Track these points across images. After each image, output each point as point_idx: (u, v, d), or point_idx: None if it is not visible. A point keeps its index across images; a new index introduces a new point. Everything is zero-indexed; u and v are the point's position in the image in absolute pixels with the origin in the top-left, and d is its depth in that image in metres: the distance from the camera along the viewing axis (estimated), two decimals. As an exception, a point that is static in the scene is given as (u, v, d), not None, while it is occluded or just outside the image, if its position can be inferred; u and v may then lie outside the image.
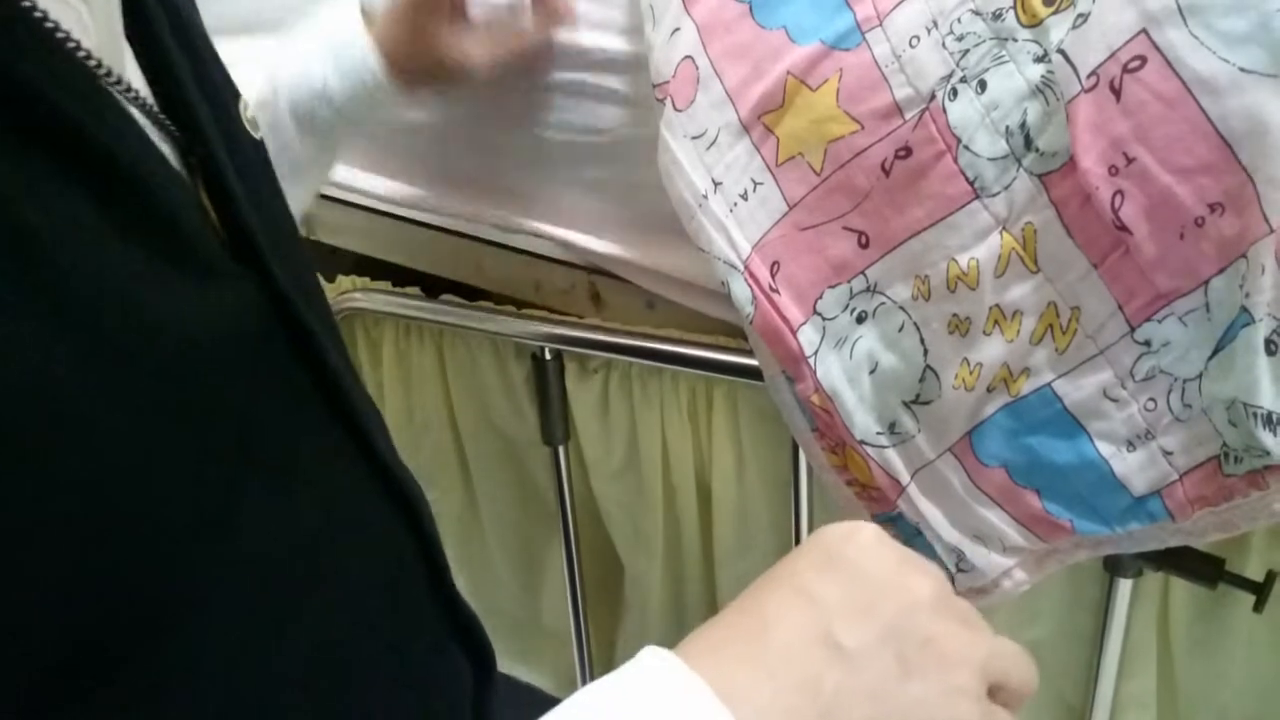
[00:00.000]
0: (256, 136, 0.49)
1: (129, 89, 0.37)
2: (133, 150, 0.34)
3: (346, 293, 1.00)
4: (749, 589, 0.43)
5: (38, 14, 0.31)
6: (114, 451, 0.29)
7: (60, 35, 0.32)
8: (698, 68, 0.71)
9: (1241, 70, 0.56)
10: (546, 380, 0.92)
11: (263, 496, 0.37)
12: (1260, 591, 0.79)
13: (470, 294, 0.99)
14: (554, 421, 0.94)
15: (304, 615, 0.39)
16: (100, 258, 0.31)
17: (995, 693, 0.42)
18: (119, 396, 0.29)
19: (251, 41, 0.73)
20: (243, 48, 0.65)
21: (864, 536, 0.43)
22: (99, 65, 0.34)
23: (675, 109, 0.72)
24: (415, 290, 1.00)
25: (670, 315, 0.88)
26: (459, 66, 0.75)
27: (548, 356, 0.92)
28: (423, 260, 0.97)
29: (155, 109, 0.40)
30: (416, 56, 0.74)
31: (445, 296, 0.98)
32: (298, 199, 0.73)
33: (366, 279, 1.02)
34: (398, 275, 1.02)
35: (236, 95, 0.49)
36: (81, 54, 0.33)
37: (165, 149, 0.39)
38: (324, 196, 0.98)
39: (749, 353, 0.82)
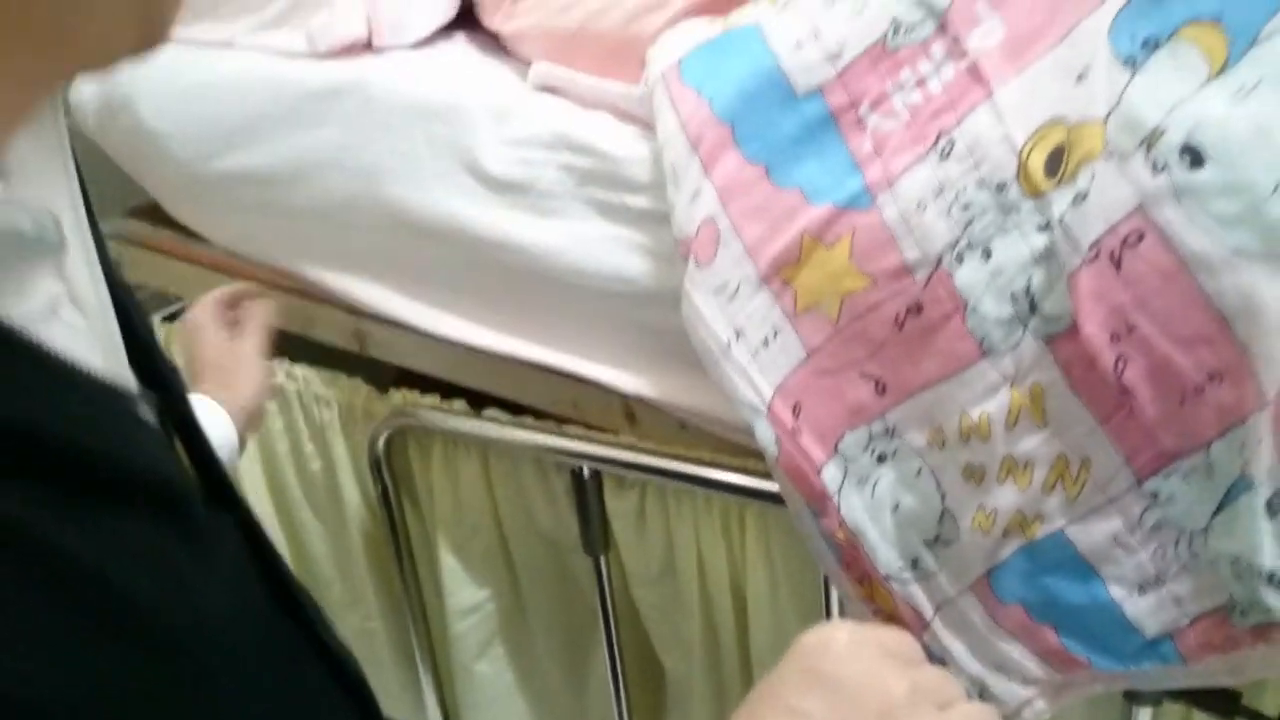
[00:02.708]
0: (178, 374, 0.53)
1: (128, 391, 0.40)
2: (151, 458, 0.38)
3: (399, 408, 1.05)
4: (743, 709, 0.47)
5: (47, 351, 0.34)
6: None
7: (71, 366, 0.35)
8: (718, 227, 0.75)
9: (1234, 251, 0.58)
10: (585, 495, 0.97)
11: None
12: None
13: (514, 406, 1.03)
14: (594, 533, 0.98)
15: None
16: (140, 567, 0.35)
17: None
18: (175, 696, 0.33)
19: None
20: None
21: (838, 645, 0.47)
22: (108, 383, 0.38)
23: (698, 265, 0.76)
24: (461, 404, 1.05)
25: (703, 435, 0.91)
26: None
27: (586, 474, 0.96)
28: (468, 377, 1.02)
29: (145, 392, 0.43)
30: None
31: (489, 411, 1.03)
32: None
33: (416, 392, 1.07)
34: (445, 384, 1.07)
35: (157, 344, 0.53)
36: (93, 376, 0.37)
37: (151, 417, 0.43)
38: (373, 317, 1.04)
39: (779, 477, 0.85)
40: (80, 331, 0.39)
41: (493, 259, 0.90)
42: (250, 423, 0.82)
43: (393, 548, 1.15)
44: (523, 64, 0.98)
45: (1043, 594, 0.72)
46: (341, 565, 1.25)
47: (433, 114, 0.90)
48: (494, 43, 1.04)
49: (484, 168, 0.88)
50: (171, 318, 1.16)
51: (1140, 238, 0.60)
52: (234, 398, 0.81)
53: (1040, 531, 0.70)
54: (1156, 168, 0.59)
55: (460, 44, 1.07)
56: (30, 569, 0.29)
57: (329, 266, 1.02)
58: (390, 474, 1.10)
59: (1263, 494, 0.61)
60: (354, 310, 1.04)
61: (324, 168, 0.95)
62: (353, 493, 1.17)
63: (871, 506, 0.76)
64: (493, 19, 1.01)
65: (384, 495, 1.12)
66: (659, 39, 0.82)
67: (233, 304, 0.85)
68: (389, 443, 1.08)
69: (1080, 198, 0.61)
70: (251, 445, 1.15)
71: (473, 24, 1.08)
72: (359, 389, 1.10)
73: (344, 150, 0.94)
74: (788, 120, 0.72)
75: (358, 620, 1.25)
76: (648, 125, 0.81)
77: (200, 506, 0.42)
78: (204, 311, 0.85)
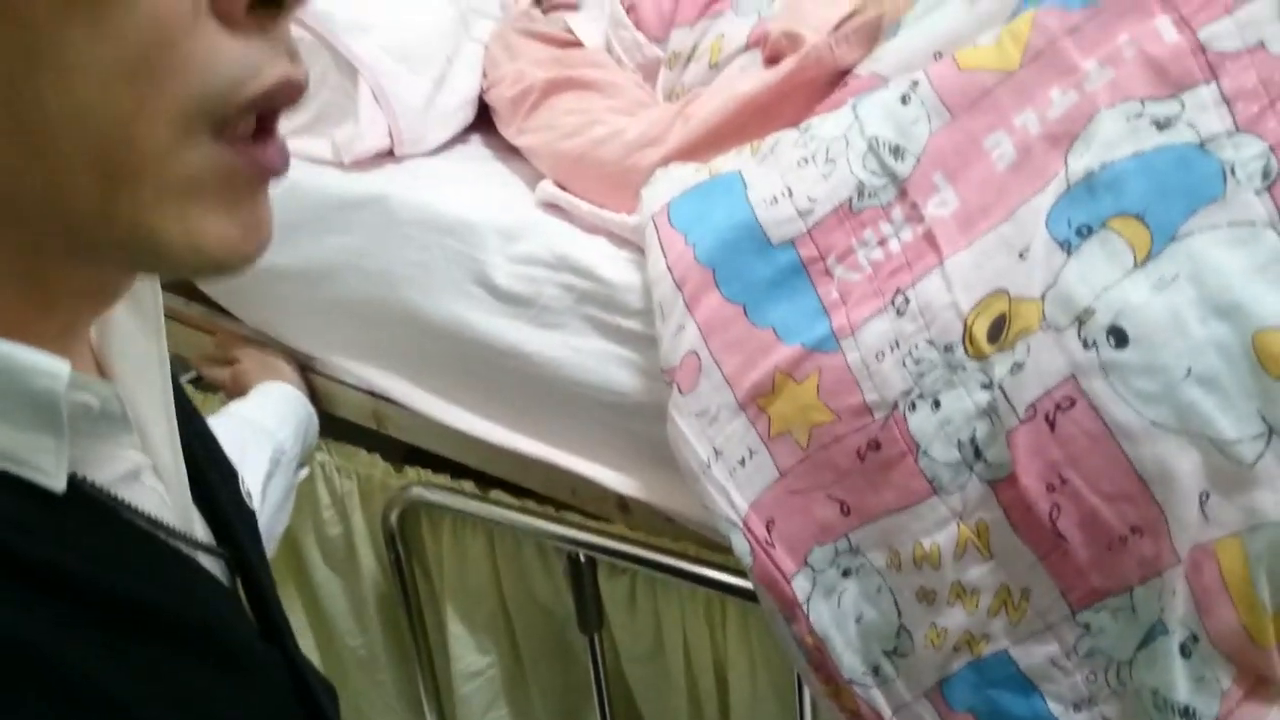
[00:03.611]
0: (251, 508, 0.61)
1: (197, 543, 0.48)
2: (207, 606, 0.46)
3: (412, 483, 1.13)
4: None
5: (124, 512, 0.40)
6: None
7: (143, 527, 0.42)
8: (700, 359, 0.82)
9: (1152, 424, 0.65)
10: (581, 578, 1.04)
11: None
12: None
13: (519, 486, 1.11)
14: (588, 613, 1.06)
15: None
16: (180, 704, 0.42)
17: None
18: None
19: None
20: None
21: None
22: (176, 535, 0.45)
23: (681, 392, 0.83)
24: (470, 484, 1.12)
25: (690, 529, 0.98)
26: None
27: (582, 559, 1.03)
28: (475, 460, 1.10)
29: (213, 545, 0.51)
30: None
31: (495, 494, 1.10)
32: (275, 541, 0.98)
33: (428, 471, 1.15)
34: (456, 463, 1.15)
35: (234, 474, 0.60)
36: (163, 532, 0.44)
37: (218, 571, 0.50)
38: (391, 401, 1.11)
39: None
40: (158, 495, 0.47)
41: (497, 363, 0.97)
42: None
43: (404, 612, 1.22)
44: (534, 171, 1.06)
45: (990, 705, 0.78)
46: (359, 621, 1.32)
47: (447, 229, 0.97)
48: (508, 144, 1.12)
49: (492, 281, 0.95)
50: (194, 381, 1.25)
51: (1072, 403, 0.67)
52: (291, 378, 1.10)
53: (986, 650, 0.77)
54: (1087, 344, 0.66)
55: (477, 148, 1.15)
56: (54, 695, 0.34)
57: (350, 356, 1.10)
58: (403, 544, 1.18)
59: (1177, 638, 0.67)
60: (373, 393, 1.12)
61: (347, 270, 1.03)
62: (369, 557, 1.25)
63: (837, 616, 0.82)
64: (506, 130, 1.09)
65: (396, 563, 1.19)
66: (653, 175, 0.90)
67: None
68: (402, 515, 1.16)
69: (1018, 367, 0.68)
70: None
71: (490, 123, 1.15)
72: (376, 464, 1.18)
73: (365, 256, 1.01)
74: (763, 267, 0.79)
75: (369, 675, 1.33)
76: (641, 251, 0.88)
77: (251, 644, 0.49)
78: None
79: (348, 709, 1.36)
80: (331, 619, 1.32)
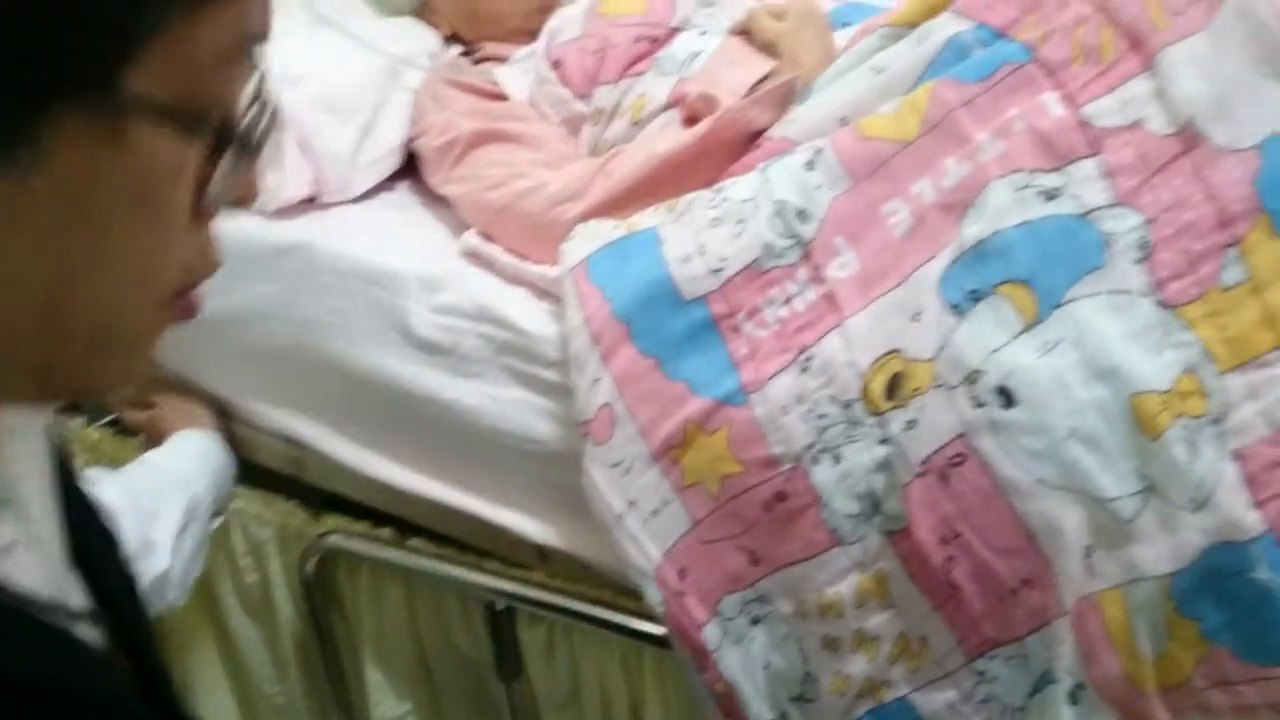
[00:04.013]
0: (130, 572, 0.59)
1: (72, 612, 0.48)
2: (84, 675, 0.45)
3: (329, 531, 1.13)
4: None
5: None
6: None
7: (19, 601, 0.41)
8: (615, 411, 0.84)
9: (1038, 481, 0.68)
10: (499, 626, 1.04)
11: None
12: None
13: (439, 535, 1.11)
14: (507, 661, 1.06)
15: None
16: None
17: None
18: None
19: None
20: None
21: None
22: (50, 607, 0.45)
23: (596, 444, 0.84)
24: (389, 532, 1.12)
25: (608, 577, 0.99)
26: None
27: (500, 607, 1.03)
28: (395, 507, 1.10)
29: (91, 612, 0.51)
30: None
31: (413, 542, 1.10)
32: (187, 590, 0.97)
33: (347, 519, 1.15)
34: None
35: (113, 540, 0.58)
36: (35, 607, 0.44)
37: (96, 638, 0.50)
38: (311, 448, 1.11)
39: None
40: (33, 567, 0.47)
41: (417, 411, 0.98)
42: None
43: (322, 659, 1.21)
44: (459, 219, 1.08)
45: (892, 751, 0.81)
46: (277, 669, 1.31)
47: (369, 278, 0.98)
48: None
49: (413, 330, 0.96)
50: (110, 423, 1.24)
51: (963, 460, 0.70)
52: (208, 425, 1.09)
53: (888, 696, 0.79)
54: (976, 403, 0.69)
55: (404, 195, 1.17)
56: None
57: (270, 403, 1.09)
58: (320, 592, 1.17)
59: (1065, 686, 0.70)
60: (292, 440, 1.12)
61: (268, 317, 1.03)
62: (286, 605, 1.23)
63: (746, 664, 0.84)
64: (432, 179, 1.10)
65: (313, 611, 1.19)
66: (574, 229, 0.92)
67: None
68: (320, 563, 1.15)
69: (912, 424, 0.71)
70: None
71: (418, 171, 1.17)
72: (294, 512, 1.17)
73: (288, 304, 1.02)
74: (677, 322, 0.82)
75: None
76: (560, 303, 0.90)
77: (132, 709, 0.49)
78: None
79: (264, 758, 1.34)
80: (249, 667, 1.30)
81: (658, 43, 1.06)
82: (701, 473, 0.82)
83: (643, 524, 0.85)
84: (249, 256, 1.03)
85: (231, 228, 1.11)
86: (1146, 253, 0.67)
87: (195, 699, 1.31)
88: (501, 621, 1.05)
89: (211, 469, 1.03)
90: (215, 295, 1.12)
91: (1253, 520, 0.64)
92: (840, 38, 1.00)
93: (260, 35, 0.41)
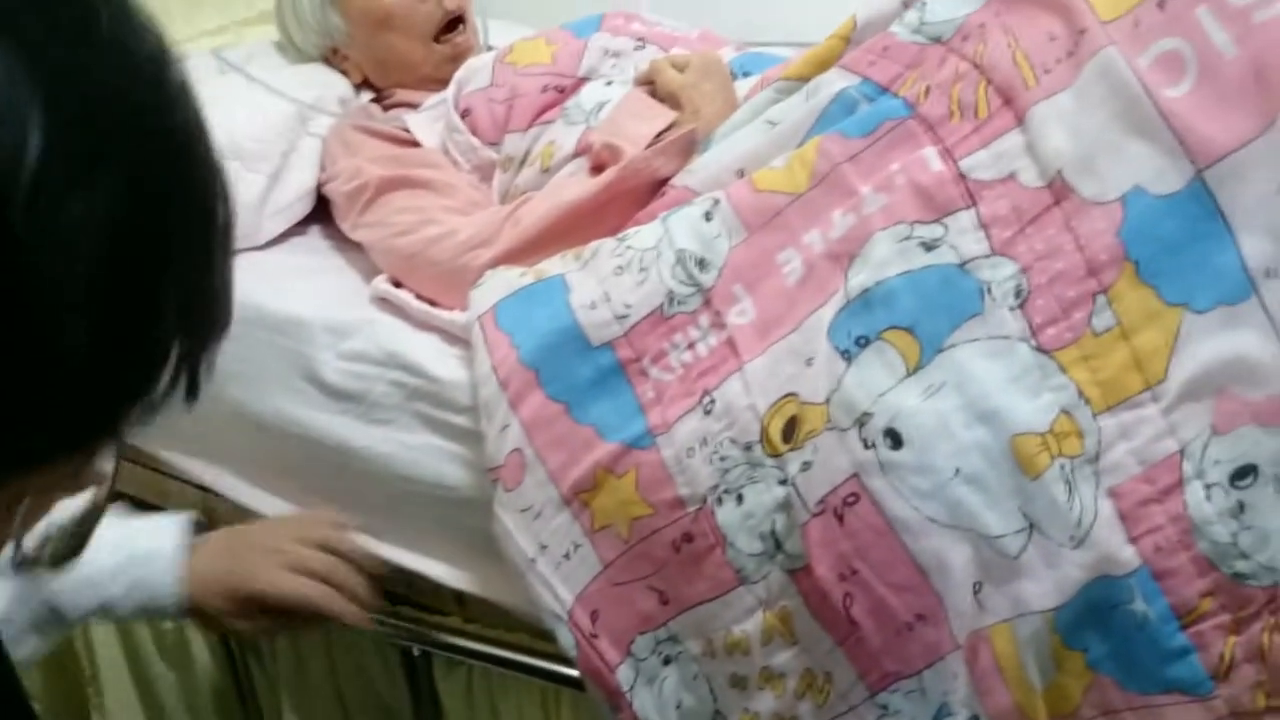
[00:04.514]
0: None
1: None
2: None
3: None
4: None
5: None
6: None
7: None
8: (524, 456, 0.85)
9: (928, 519, 0.70)
10: (416, 673, 1.04)
11: None
12: None
13: (355, 579, 1.11)
14: (425, 706, 1.06)
15: None
16: None
17: None
18: None
19: None
20: None
21: None
22: None
23: (506, 490, 0.85)
24: (305, 577, 1.12)
25: (525, 620, 1.00)
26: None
27: (416, 653, 1.04)
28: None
29: None
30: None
31: (330, 587, 1.10)
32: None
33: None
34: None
35: None
36: None
37: None
38: (221, 495, 1.10)
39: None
40: None
41: (327, 458, 0.98)
42: None
43: (240, 706, 1.20)
44: (371, 263, 1.08)
45: (801, 784, 0.82)
46: (194, 716, 1.29)
47: (276, 326, 0.98)
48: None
49: (321, 377, 0.97)
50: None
51: (857, 499, 0.73)
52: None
53: (797, 732, 0.81)
54: (867, 444, 0.71)
55: (316, 239, 1.17)
56: None
57: (180, 450, 1.09)
58: (237, 640, 1.16)
59: (961, 718, 0.73)
60: (202, 487, 1.11)
61: (176, 366, 1.02)
62: (203, 651, 1.22)
63: (659, 704, 0.85)
64: (343, 224, 1.11)
65: (230, 657, 1.17)
66: (483, 276, 0.93)
67: None
68: (235, 611, 1.14)
69: (808, 465, 0.73)
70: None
71: (330, 215, 1.17)
72: (208, 560, 1.16)
73: (195, 352, 1.01)
74: (584, 367, 0.83)
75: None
76: (470, 349, 0.91)
77: None
78: None
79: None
80: (167, 714, 1.28)
81: (565, 92, 1.08)
82: (611, 515, 0.83)
83: (555, 568, 0.86)
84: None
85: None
86: (1022, 299, 0.70)
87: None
88: (419, 667, 1.05)
89: (129, 578, 0.83)
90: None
91: (1128, 555, 0.67)
92: (742, 87, 1.03)
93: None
